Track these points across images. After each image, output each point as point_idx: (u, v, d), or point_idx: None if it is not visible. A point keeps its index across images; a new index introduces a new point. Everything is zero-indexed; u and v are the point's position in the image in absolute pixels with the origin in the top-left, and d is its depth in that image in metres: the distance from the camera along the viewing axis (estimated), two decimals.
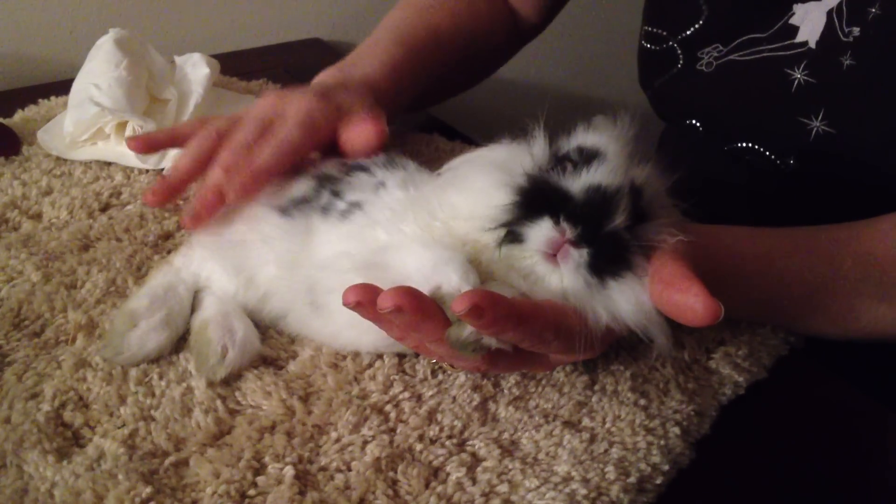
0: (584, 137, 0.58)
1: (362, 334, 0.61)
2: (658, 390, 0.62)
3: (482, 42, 1.02)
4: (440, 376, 0.63)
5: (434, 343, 0.53)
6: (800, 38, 0.82)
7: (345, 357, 0.64)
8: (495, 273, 0.55)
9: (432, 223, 0.58)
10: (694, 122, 0.93)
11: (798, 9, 0.82)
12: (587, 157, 0.55)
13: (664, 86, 0.96)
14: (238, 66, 1.29)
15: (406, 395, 0.61)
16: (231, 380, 0.62)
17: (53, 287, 0.70)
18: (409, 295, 0.49)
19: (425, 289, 0.50)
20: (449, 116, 1.13)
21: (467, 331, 0.50)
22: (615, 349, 0.65)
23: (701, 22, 0.89)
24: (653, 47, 0.95)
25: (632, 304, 0.52)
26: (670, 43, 0.93)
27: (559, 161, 0.56)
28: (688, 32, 0.91)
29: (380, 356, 0.64)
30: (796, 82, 0.82)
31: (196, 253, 0.70)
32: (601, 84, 1.89)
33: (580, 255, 0.52)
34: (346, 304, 0.50)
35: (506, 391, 0.62)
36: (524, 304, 0.51)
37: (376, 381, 0.62)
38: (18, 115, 1.03)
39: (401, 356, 0.64)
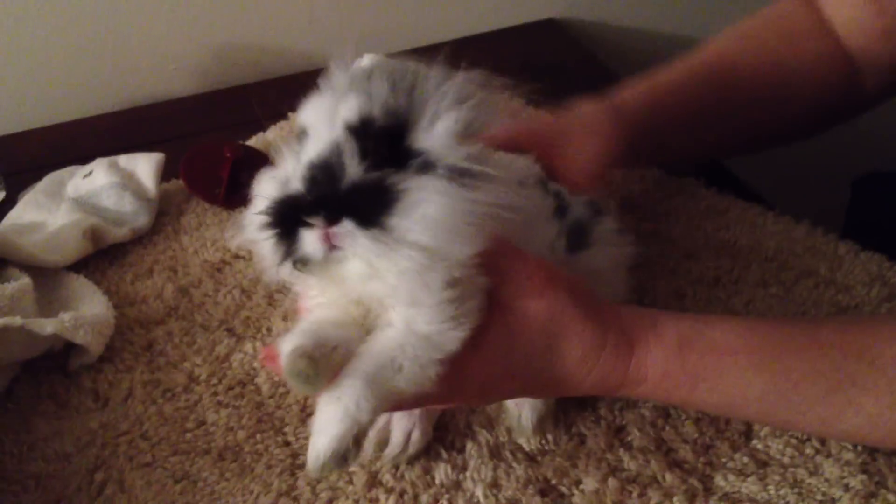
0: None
1: None
2: None
3: (799, 89, 0.84)
4: None
5: None
6: None
7: None
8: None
9: None
10: None
11: None
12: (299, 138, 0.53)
13: None
14: (468, 60, 1.21)
15: None
16: None
17: None
18: None
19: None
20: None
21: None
22: None
23: None
24: None
25: (421, 224, 0.48)
26: None
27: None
28: None
29: None
30: None
31: None
32: None
33: (345, 228, 0.48)
34: None
35: None
36: None
37: None
38: (272, 132, 1.02)
39: None
